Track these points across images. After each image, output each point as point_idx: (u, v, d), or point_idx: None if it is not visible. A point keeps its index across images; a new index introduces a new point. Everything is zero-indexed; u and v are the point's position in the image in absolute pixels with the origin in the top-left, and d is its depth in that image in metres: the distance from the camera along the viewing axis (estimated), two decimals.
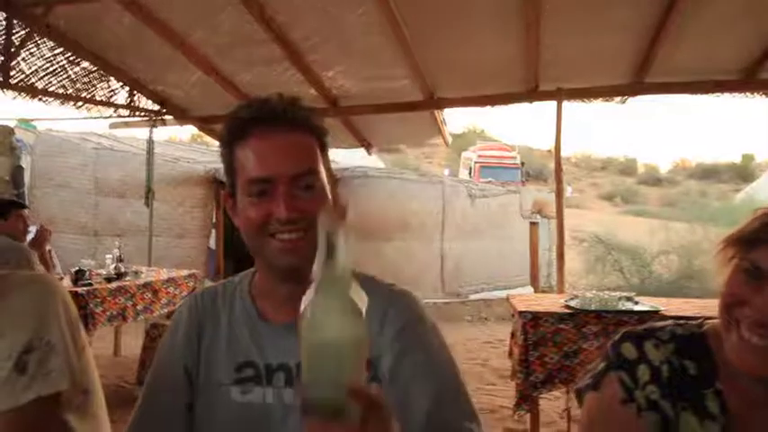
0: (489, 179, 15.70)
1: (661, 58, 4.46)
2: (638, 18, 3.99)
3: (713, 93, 4.83)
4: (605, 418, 0.99)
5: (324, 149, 1.05)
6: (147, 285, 4.78)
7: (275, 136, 0.99)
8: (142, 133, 7.16)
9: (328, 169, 1.05)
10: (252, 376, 1.03)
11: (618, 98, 5.13)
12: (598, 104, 5.27)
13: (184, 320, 1.13)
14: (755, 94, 4.77)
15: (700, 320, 1.02)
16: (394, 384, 0.98)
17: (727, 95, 4.84)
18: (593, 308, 3.27)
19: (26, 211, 4.16)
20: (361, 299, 0.70)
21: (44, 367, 1.03)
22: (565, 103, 5.09)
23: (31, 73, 4.90)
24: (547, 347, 3.21)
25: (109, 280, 4.56)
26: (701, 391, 0.94)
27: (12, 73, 4.65)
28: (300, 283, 1.00)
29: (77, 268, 4.39)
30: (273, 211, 0.96)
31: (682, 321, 1.03)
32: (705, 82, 4.76)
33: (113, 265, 4.70)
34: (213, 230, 10.00)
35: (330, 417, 0.65)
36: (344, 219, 0.70)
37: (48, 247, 4.56)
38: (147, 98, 5.93)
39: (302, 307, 0.68)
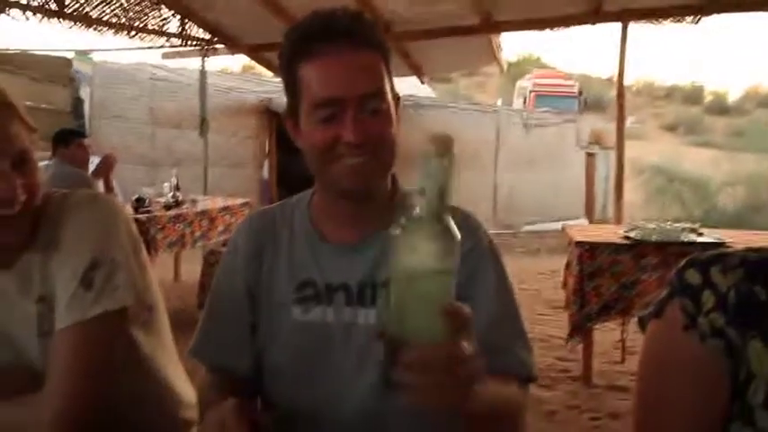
0: (545, 108, 15.25)
1: None
2: None
3: None
4: (667, 345, 0.94)
5: (389, 68, 1.00)
6: (203, 213, 4.92)
7: (342, 54, 0.93)
8: (195, 63, 7.19)
9: (392, 89, 1.00)
10: (312, 295, 1.03)
11: (690, 18, 4.78)
12: (667, 26, 4.96)
13: (243, 241, 1.12)
14: None
15: None
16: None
17: None
18: (653, 239, 3.20)
19: (87, 140, 4.28)
20: (455, 228, 0.70)
21: (110, 283, 1.04)
22: (630, 26, 4.83)
23: (85, 2, 4.92)
24: (603, 278, 3.17)
25: (168, 207, 4.70)
26: None
27: (67, 2, 4.68)
28: (363, 203, 1.01)
29: (138, 196, 4.53)
30: (341, 134, 0.93)
31: (756, 247, 0.94)
32: None
33: (171, 194, 4.83)
34: (266, 160, 10.14)
35: (423, 340, 0.66)
36: (450, 147, 0.69)
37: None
38: (199, 27, 5.90)
39: (395, 231, 0.69)
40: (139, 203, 4.47)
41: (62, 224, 1.09)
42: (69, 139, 4.16)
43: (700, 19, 4.76)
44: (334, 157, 0.95)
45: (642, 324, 0.99)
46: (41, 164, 1.22)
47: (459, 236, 0.68)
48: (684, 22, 4.88)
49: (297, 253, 1.07)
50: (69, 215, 1.10)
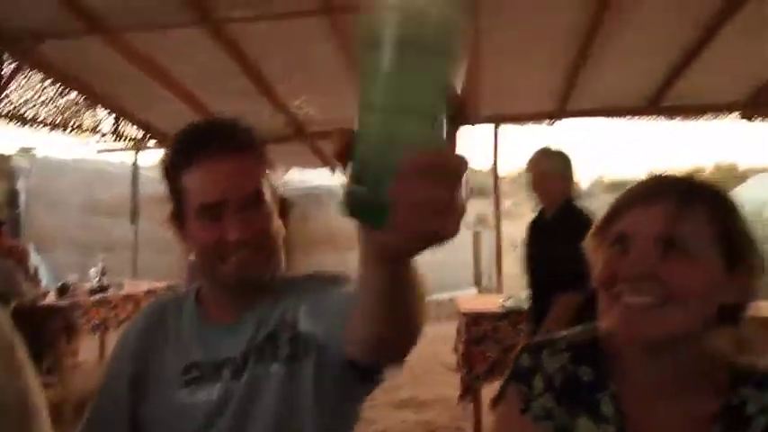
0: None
1: (581, 88, 4.52)
2: (560, 51, 4.01)
3: (624, 117, 4.93)
4: (509, 427, 0.90)
5: (266, 165, 0.96)
6: (128, 297, 4.61)
7: (220, 160, 0.89)
8: (131, 156, 6.93)
9: (271, 186, 0.96)
10: (198, 376, 0.94)
11: (545, 121, 5.16)
12: (529, 127, 5.30)
13: (134, 331, 1.03)
14: (659, 117, 4.87)
15: (594, 326, 0.91)
16: (315, 313, 0.90)
17: (636, 119, 4.92)
18: (525, 306, 3.22)
19: (4, 227, 3.96)
20: None
21: None
22: (501, 127, 5.15)
23: (22, 103, 4.64)
24: (487, 343, 3.15)
25: (93, 293, 4.36)
26: (596, 395, 0.83)
27: (2, 103, 4.38)
28: (246, 293, 0.94)
29: (62, 283, 4.20)
30: (226, 234, 0.88)
31: (580, 329, 0.92)
32: (616, 108, 4.86)
33: (97, 279, 4.49)
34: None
35: (423, 132, 0.42)
36: None
37: (33, 265, 4.33)
38: (132, 125, 5.70)
39: None
40: (63, 290, 4.12)
41: None
42: None
43: (554, 122, 5.14)
44: (221, 254, 0.90)
45: (493, 405, 0.94)
46: None
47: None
48: (542, 124, 5.26)
49: (184, 338, 0.98)
50: None
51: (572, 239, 2.54)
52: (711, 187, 0.82)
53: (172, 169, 0.93)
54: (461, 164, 0.42)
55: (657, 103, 4.66)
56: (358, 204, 0.44)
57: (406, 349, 0.71)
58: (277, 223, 0.95)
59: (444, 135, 0.44)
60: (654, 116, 4.85)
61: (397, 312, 0.62)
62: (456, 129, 0.45)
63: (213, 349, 0.95)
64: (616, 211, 0.84)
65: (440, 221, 0.42)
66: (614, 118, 4.99)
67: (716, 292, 0.77)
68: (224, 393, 0.91)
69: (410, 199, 0.40)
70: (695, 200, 0.78)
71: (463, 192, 0.43)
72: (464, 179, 0.43)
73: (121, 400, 0.97)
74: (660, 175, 0.85)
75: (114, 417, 0.96)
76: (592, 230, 0.87)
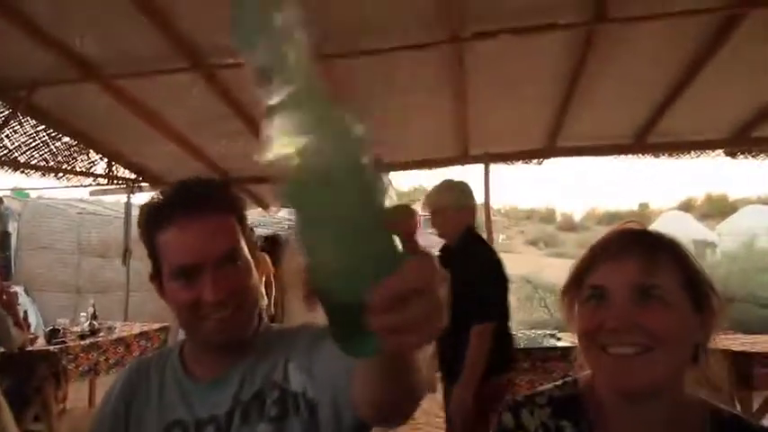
0: (431, 230, 15.80)
1: (568, 127, 4.59)
2: (547, 93, 4.10)
3: (611, 155, 4.99)
4: None
5: (243, 222, 0.95)
6: (119, 340, 4.52)
7: (196, 222, 0.88)
8: (122, 198, 6.91)
9: (247, 238, 0.95)
10: None
11: (535, 160, 5.21)
12: (519, 165, 5.36)
13: (116, 393, 1.01)
14: (645, 155, 4.94)
15: (573, 380, 0.94)
16: (306, 369, 0.89)
17: (622, 157, 4.99)
18: (522, 345, 3.20)
19: None
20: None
21: None
22: (491, 165, 5.19)
23: (14, 148, 4.66)
24: None
25: (83, 337, 4.28)
26: None
27: None
28: (230, 350, 0.93)
29: (51, 327, 4.13)
30: (202, 294, 0.86)
31: (560, 383, 0.95)
32: (604, 146, 4.92)
33: (87, 323, 4.41)
34: None
35: (371, 274, 0.40)
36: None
37: (23, 309, 4.25)
38: (125, 168, 5.72)
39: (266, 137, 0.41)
40: (53, 335, 4.04)
41: None
42: None
43: (541, 161, 5.20)
44: (200, 315, 0.88)
45: None
46: None
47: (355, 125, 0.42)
48: (531, 163, 5.32)
49: (167, 396, 0.96)
50: None
51: (474, 267, 2.55)
52: (671, 238, 0.87)
53: (146, 230, 0.92)
54: (429, 275, 0.41)
55: (643, 141, 4.73)
56: (344, 345, 0.44)
57: (408, 412, 0.72)
58: (255, 278, 0.94)
59: (397, 254, 0.42)
60: (640, 153, 4.92)
61: (397, 386, 0.63)
62: (412, 243, 0.43)
63: (197, 407, 0.93)
64: (588, 266, 0.87)
65: (425, 328, 0.42)
66: (601, 156, 5.05)
67: (690, 334, 0.81)
68: None
69: (389, 326, 0.40)
70: (662, 251, 0.84)
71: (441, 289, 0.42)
72: (438, 280, 0.42)
73: None
74: (626, 230, 0.90)
75: None
76: (564, 285, 0.91)
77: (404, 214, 0.42)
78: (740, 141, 4.64)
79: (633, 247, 0.84)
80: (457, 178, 2.97)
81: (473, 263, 2.60)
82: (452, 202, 2.79)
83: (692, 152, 4.82)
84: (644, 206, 43.86)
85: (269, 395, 0.89)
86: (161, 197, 0.93)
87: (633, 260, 0.83)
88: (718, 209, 35.06)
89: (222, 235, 0.90)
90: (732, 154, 4.75)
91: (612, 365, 0.80)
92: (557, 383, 0.94)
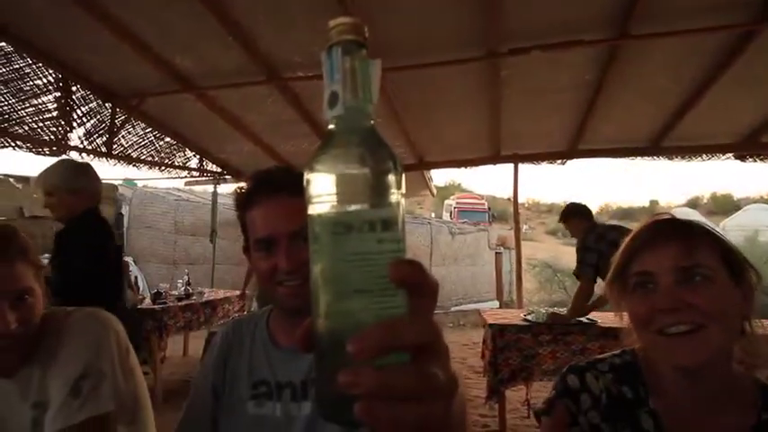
0: (465, 220, 15.59)
1: (590, 131, 4.43)
2: (572, 101, 3.96)
3: (627, 157, 4.78)
4: None
5: None
6: (207, 303, 4.67)
7: (273, 202, 0.90)
8: (210, 188, 7.15)
9: None
10: (265, 392, 0.92)
11: (559, 161, 5.06)
12: (544, 165, 5.21)
13: (216, 347, 1.03)
14: (660, 157, 4.71)
15: (632, 350, 0.89)
16: None
17: (638, 159, 4.77)
18: (545, 320, 3.13)
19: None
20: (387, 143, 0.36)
21: (96, 392, 0.91)
22: (519, 165, 5.07)
23: (129, 146, 4.88)
24: (511, 352, 3.06)
25: (179, 299, 4.45)
26: (636, 411, 0.81)
27: (113, 146, 4.63)
28: (303, 318, 0.92)
29: (155, 291, 4.30)
30: (278, 263, 0.87)
31: (619, 352, 0.90)
32: (621, 149, 4.73)
33: (183, 288, 4.59)
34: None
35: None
36: (360, 31, 0.38)
37: (134, 275, 4.47)
38: (212, 163, 5.90)
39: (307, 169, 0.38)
40: (157, 296, 4.23)
41: (61, 339, 0.96)
42: None
43: (565, 161, 5.04)
44: (275, 281, 0.89)
45: (537, 417, 0.91)
46: None
47: (397, 157, 0.36)
48: (555, 163, 5.17)
49: (255, 356, 0.97)
50: (68, 331, 0.97)
51: (78, 250, 2.07)
52: (703, 223, 0.83)
53: (239, 209, 0.95)
54: (429, 335, 0.32)
55: (658, 144, 4.52)
56: (319, 404, 0.35)
57: None
58: None
59: (403, 309, 0.34)
60: (655, 156, 4.69)
61: None
62: (427, 302, 0.35)
63: (278, 371, 0.93)
64: (630, 256, 0.82)
65: (413, 409, 0.31)
66: (618, 158, 4.85)
67: (735, 307, 0.76)
68: (285, 413, 0.89)
69: (367, 388, 0.30)
70: (698, 233, 0.79)
71: (442, 371, 0.33)
72: (438, 349, 0.34)
73: (207, 405, 0.97)
74: (660, 220, 0.85)
75: (202, 417, 0.96)
76: (609, 277, 0.85)
77: (416, 270, 0.33)
78: (750, 146, 4.35)
79: (671, 234, 0.80)
80: (79, 160, 2.41)
81: (77, 246, 2.19)
82: (65, 183, 2.27)
83: (704, 155, 4.55)
84: (654, 203, 41.84)
85: None
86: (250, 182, 0.95)
87: (673, 245, 0.78)
88: (723, 207, 33.08)
89: (295, 214, 0.88)
90: (741, 157, 4.46)
91: (669, 345, 0.75)
92: (615, 353, 0.89)
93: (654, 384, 0.83)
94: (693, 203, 34.72)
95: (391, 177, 0.35)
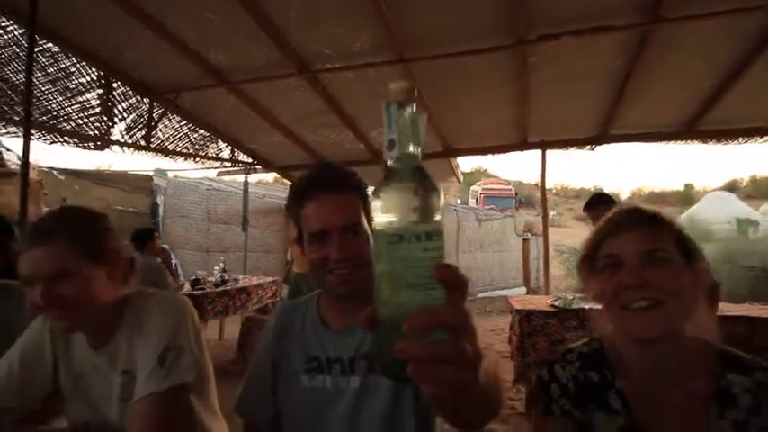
0: (491, 206, 15.47)
1: (620, 116, 4.36)
2: (602, 87, 3.90)
3: (659, 141, 4.68)
4: (540, 426, 0.97)
5: (365, 201, 1.01)
6: (242, 289, 4.84)
7: (327, 197, 0.97)
8: (241, 178, 7.32)
9: (369, 216, 1.02)
10: (317, 367, 1.02)
11: (587, 147, 5.00)
12: (572, 151, 5.15)
13: (273, 326, 1.13)
14: (694, 142, 4.60)
15: (598, 338, 0.97)
16: None
17: (671, 144, 4.68)
18: (572, 306, 3.16)
19: (156, 234, 4.27)
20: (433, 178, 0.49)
21: (178, 362, 1.03)
22: (547, 151, 5.03)
23: (165, 139, 5.06)
24: (538, 337, 3.12)
25: (216, 285, 4.63)
26: (605, 393, 0.90)
27: (151, 139, 4.81)
28: (351, 303, 0.99)
29: (194, 277, 4.49)
30: (329, 253, 0.95)
31: (587, 340, 0.98)
32: (653, 134, 4.63)
33: (219, 275, 4.77)
34: (290, 247, 10.11)
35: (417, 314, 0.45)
36: (412, 92, 0.50)
37: (174, 262, 4.66)
38: (244, 153, 6.05)
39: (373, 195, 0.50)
40: (195, 283, 4.42)
41: (146, 315, 1.09)
42: (145, 236, 4.15)
43: (594, 147, 4.97)
44: (327, 270, 0.96)
45: (527, 408, 1.01)
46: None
47: (439, 187, 0.50)
48: (584, 149, 5.10)
49: (307, 335, 1.07)
50: (152, 309, 1.10)
51: None
52: (656, 210, 0.92)
53: (294, 203, 1.02)
54: (461, 319, 0.44)
55: (692, 128, 4.41)
56: (379, 366, 0.48)
57: (490, 419, 0.71)
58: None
59: (443, 299, 0.46)
60: (688, 140, 4.58)
61: (458, 417, 0.62)
62: (460, 294, 0.47)
63: (328, 348, 1.02)
64: (599, 240, 0.91)
65: (449, 371, 0.43)
66: (651, 143, 4.76)
67: (689, 287, 0.84)
68: (335, 385, 0.98)
69: (415, 355, 0.43)
70: (661, 222, 0.88)
71: (471, 346, 0.45)
72: (469, 330, 0.45)
73: (267, 376, 1.08)
74: (628, 208, 0.93)
75: (263, 385, 1.07)
76: (580, 258, 0.95)
77: (452, 271, 0.46)
78: None
79: (637, 221, 0.88)
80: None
81: None
82: None
83: (741, 138, 4.43)
84: (689, 186, 40.42)
85: None
86: (304, 178, 1.02)
87: (640, 231, 0.87)
88: (762, 190, 31.73)
89: (347, 209, 0.97)
90: None
91: (633, 319, 0.84)
92: (584, 341, 0.98)
93: (619, 366, 0.91)
94: (731, 187, 33.39)
95: (434, 202, 0.48)
